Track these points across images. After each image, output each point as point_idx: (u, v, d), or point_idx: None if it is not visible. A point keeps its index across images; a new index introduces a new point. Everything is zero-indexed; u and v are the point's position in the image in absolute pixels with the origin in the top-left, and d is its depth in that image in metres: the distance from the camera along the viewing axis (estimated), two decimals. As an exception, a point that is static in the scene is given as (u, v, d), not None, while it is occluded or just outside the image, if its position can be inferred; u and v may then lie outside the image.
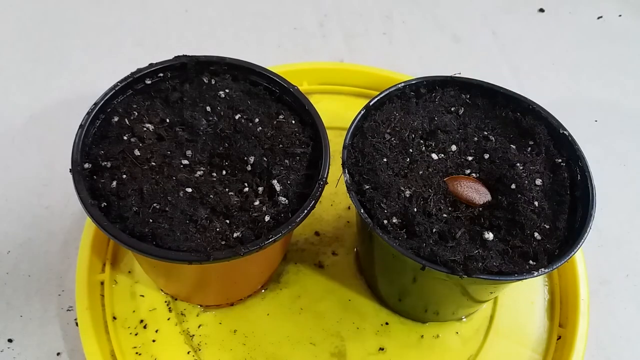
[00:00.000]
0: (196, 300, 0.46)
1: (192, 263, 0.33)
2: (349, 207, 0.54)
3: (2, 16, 0.73)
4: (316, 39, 0.74)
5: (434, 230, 0.36)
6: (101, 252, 0.48)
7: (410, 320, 0.47)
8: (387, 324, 0.47)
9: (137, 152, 0.37)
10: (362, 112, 0.42)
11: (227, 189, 0.37)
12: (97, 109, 0.38)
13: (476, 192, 0.39)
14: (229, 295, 0.46)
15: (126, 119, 0.39)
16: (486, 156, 0.42)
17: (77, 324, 0.44)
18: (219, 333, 0.45)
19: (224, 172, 0.38)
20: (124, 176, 0.36)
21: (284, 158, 0.39)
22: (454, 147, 0.42)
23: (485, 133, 0.43)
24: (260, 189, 0.37)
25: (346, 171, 0.39)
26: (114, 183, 0.35)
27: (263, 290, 0.48)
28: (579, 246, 0.36)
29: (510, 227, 0.37)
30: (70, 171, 0.35)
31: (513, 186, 0.39)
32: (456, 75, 0.45)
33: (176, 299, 0.47)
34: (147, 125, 0.39)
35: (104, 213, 0.34)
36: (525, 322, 0.48)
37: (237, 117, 0.41)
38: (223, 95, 0.42)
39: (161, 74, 0.42)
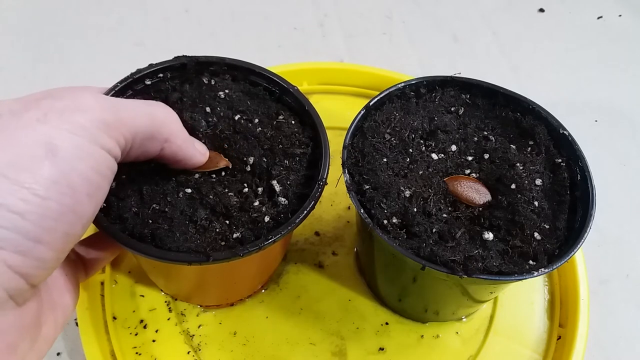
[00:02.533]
0: (196, 300, 0.46)
1: (191, 264, 0.33)
2: (349, 207, 0.54)
3: (2, 16, 0.73)
4: (316, 39, 0.74)
5: (434, 230, 0.36)
6: (101, 252, 0.48)
7: (410, 320, 0.47)
8: (387, 324, 0.47)
9: None
10: (362, 112, 0.43)
11: (226, 190, 0.37)
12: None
13: (476, 192, 0.39)
14: (229, 295, 0.46)
15: None
16: (486, 156, 0.42)
17: (77, 324, 0.45)
18: (219, 333, 0.45)
19: (223, 173, 0.38)
20: (124, 177, 0.36)
21: (283, 158, 0.39)
22: (454, 147, 0.42)
23: (485, 133, 0.43)
24: (260, 189, 0.37)
25: (346, 171, 0.39)
26: (114, 184, 0.35)
27: (263, 291, 0.48)
28: (579, 246, 0.36)
29: (510, 227, 0.37)
30: None
31: (513, 186, 0.39)
32: (456, 75, 0.46)
33: (176, 299, 0.47)
34: None
35: (103, 213, 0.34)
36: (525, 322, 0.48)
37: (236, 117, 0.40)
38: (223, 96, 0.42)
39: (161, 75, 0.42)
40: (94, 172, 0.26)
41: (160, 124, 0.31)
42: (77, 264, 0.35)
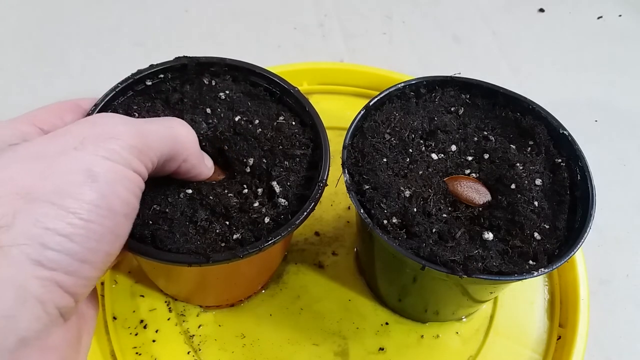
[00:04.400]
0: (196, 301, 0.47)
1: (191, 265, 0.33)
2: (349, 207, 0.54)
3: (2, 16, 0.73)
4: (316, 39, 0.74)
5: (434, 230, 0.36)
6: (101, 252, 0.48)
7: (410, 320, 0.47)
8: (387, 324, 0.47)
9: None
10: (362, 112, 0.43)
11: (226, 191, 0.37)
12: (97, 110, 0.38)
13: (476, 192, 0.39)
14: (229, 296, 0.46)
15: None
16: (486, 156, 0.42)
17: (77, 324, 0.44)
18: (219, 333, 0.45)
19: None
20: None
21: (283, 159, 0.39)
22: (453, 147, 0.42)
23: (485, 133, 0.43)
24: (260, 190, 0.37)
25: (346, 171, 0.39)
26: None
27: (263, 291, 0.48)
28: (579, 246, 0.36)
29: (510, 227, 0.37)
30: None
31: (513, 186, 0.39)
32: (456, 75, 0.46)
33: (176, 300, 0.47)
34: None
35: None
36: (525, 322, 0.48)
37: (237, 118, 0.40)
38: (223, 97, 0.42)
39: (162, 75, 0.42)
40: (130, 193, 0.28)
41: (181, 146, 0.33)
42: None
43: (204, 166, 0.36)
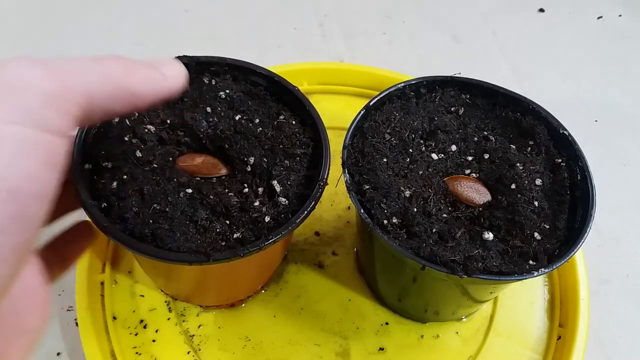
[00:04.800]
0: (196, 300, 0.47)
1: (192, 264, 0.33)
2: (349, 207, 0.54)
3: (2, 16, 0.73)
4: (316, 39, 0.74)
5: (434, 230, 0.36)
6: (101, 252, 0.48)
7: (410, 320, 0.47)
8: (387, 324, 0.47)
9: (138, 154, 0.37)
10: (362, 112, 0.43)
11: (227, 190, 0.37)
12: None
13: (476, 192, 0.39)
14: (229, 295, 0.46)
15: (127, 120, 0.39)
16: (486, 156, 0.42)
17: (77, 324, 0.44)
18: (219, 333, 0.45)
19: (223, 175, 0.38)
20: (125, 177, 0.36)
21: (284, 159, 0.39)
22: (454, 147, 0.42)
23: (485, 133, 0.43)
24: (260, 189, 0.37)
25: (346, 171, 0.39)
26: (115, 184, 0.35)
27: (263, 291, 0.48)
28: (579, 246, 0.36)
29: (510, 227, 0.37)
30: (70, 171, 0.35)
31: (513, 186, 0.39)
32: (456, 75, 0.46)
33: (176, 299, 0.47)
34: (149, 126, 0.39)
35: (104, 213, 0.34)
36: (525, 322, 0.48)
37: (237, 117, 0.41)
38: (223, 96, 0.42)
39: (161, 74, 0.42)
40: (42, 165, 0.22)
41: (118, 80, 0.25)
42: (52, 265, 0.31)
43: (166, 84, 0.28)
